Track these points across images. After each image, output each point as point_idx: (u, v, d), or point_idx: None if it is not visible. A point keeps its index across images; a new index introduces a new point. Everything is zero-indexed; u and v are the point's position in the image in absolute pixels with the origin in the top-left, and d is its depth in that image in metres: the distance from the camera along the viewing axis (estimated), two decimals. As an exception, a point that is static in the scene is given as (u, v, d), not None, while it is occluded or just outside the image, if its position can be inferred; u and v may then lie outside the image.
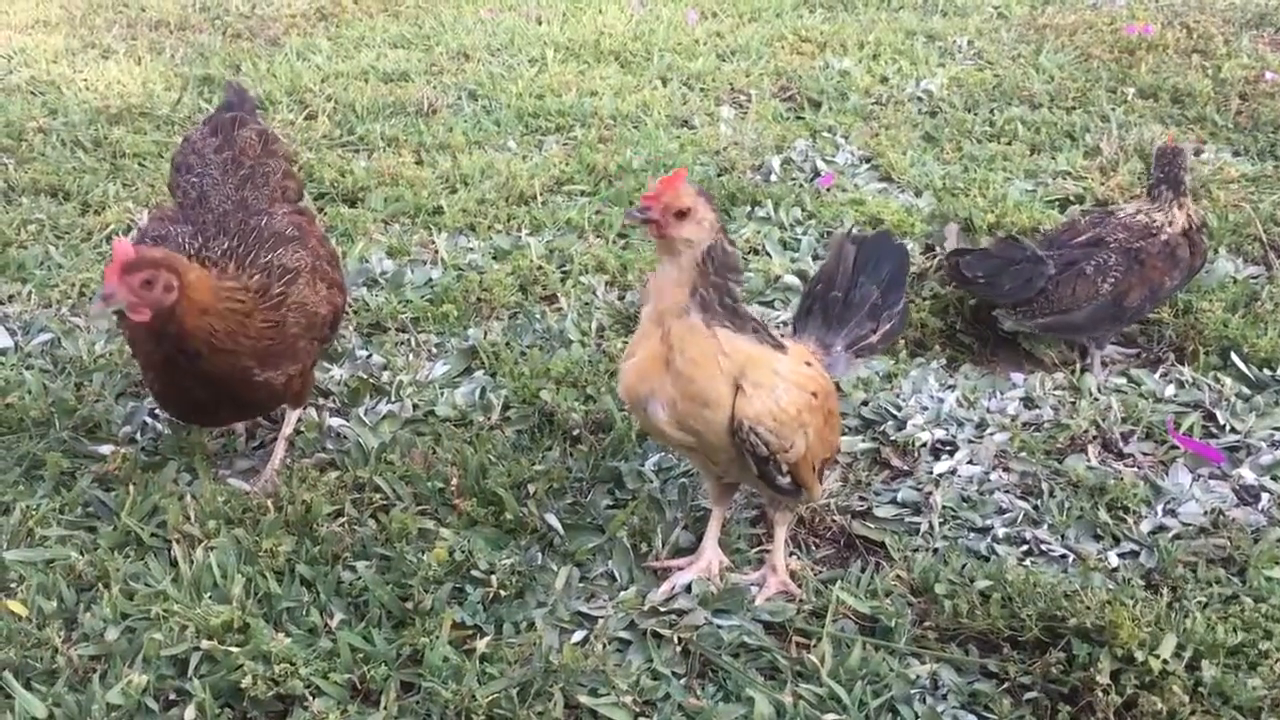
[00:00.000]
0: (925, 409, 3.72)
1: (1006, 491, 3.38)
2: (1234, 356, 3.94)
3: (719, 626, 2.90)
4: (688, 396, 2.68)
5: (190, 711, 2.61)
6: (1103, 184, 5.16)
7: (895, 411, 3.71)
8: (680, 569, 3.05)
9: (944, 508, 3.29)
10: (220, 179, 3.48)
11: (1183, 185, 4.00)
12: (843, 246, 3.20)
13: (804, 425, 2.76)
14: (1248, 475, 3.42)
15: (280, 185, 3.59)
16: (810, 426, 2.78)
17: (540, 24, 7.74)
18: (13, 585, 3.00)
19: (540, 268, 4.57)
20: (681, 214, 2.57)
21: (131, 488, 3.29)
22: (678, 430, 2.75)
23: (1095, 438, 3.61)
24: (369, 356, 4.04)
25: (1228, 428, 3.65)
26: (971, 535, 3.23)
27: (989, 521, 3.26)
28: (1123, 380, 3.93)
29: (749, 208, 5.07)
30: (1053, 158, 5.52)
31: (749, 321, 2.73)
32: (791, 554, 3.15)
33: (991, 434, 3.62)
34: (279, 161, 3.67)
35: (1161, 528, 3.23)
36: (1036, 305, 3.90)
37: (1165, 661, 2.65)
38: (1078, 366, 3.98)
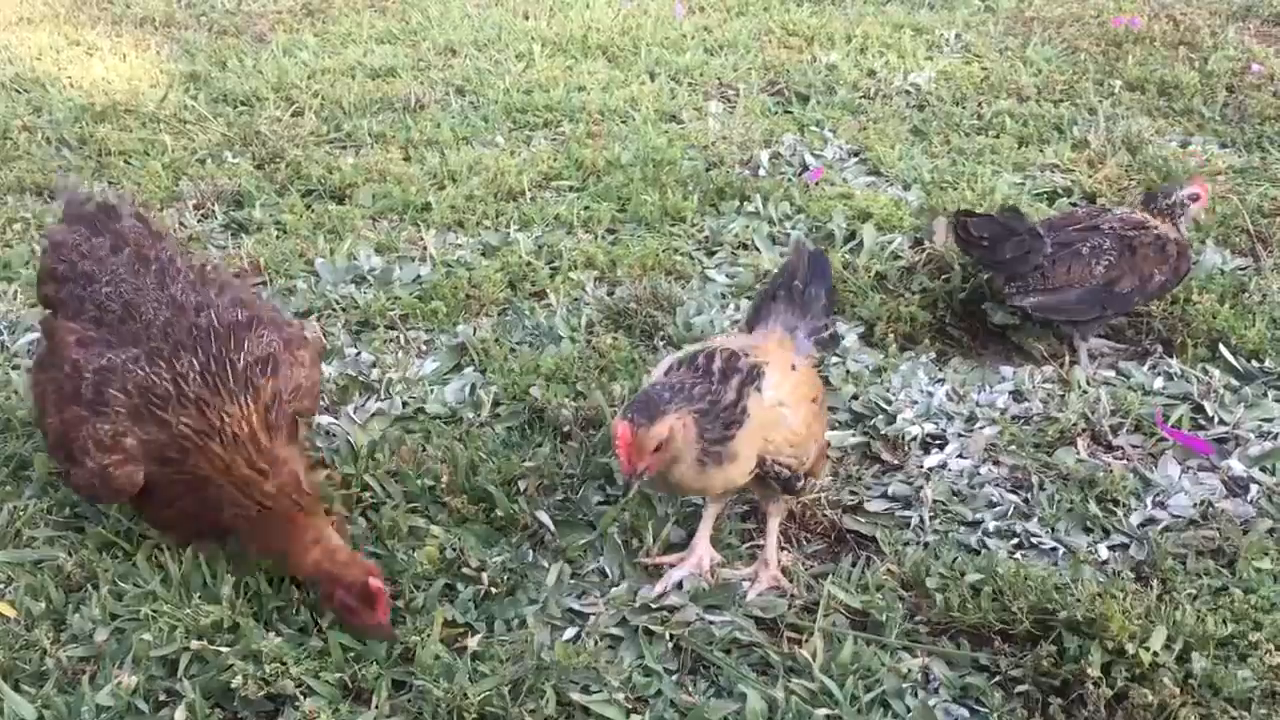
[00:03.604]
0: (915, 403, 3.72)
1: (996, 485, 3.39)
2: (1222, 348, 3.95)
3: (711, 622, 2.90)
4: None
5: (181, 712, 2.60)
6: (1090, 176, 5.16)
7: (885, 405, 3.71)
8: (672, 565, 3.06)
9: (934, 502, 3.30)
10: (137, 282, 3.03)
11: (1175, 213, 4.10)
12: (801, 245, 3.34)
13: (814, 436, 2.89)
14: (1236, 467, 3.42)
15: (185, 263, 3.19)
16: (817, 435, 2.92)
17: (527, 19, 7.71)
18: (1, 586, 2.99)
19: (529, 264, 4.56)
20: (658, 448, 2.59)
21: (120, 488, 3.27)
22: (698, 483, 2.78)
23: (1084, 431, 3.62)
24: (358, 354, 4.03)
25: (1216, 419, 3.65)
26: (962, 529, 3.24)
27: (979, 515, 3.27)
28: (1111, 373, 3.94)
29: (738, 202, 5.06)
30: (1041, 150, 5.52)
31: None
32: (783, 549, 3.16)
33: (981, 428, 3.63)
34: (169, 240, 3.29)
35: (1151, 520, 3.24)
36: (1032, 280, 3.92)
37: (1155, 654, 2.66)
38: (1067, 360, 3.99)
